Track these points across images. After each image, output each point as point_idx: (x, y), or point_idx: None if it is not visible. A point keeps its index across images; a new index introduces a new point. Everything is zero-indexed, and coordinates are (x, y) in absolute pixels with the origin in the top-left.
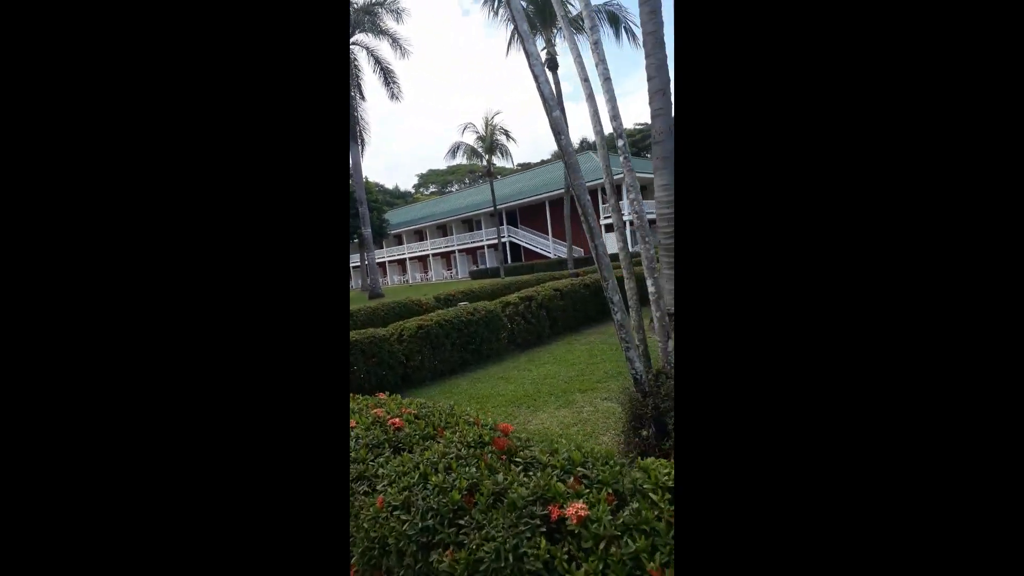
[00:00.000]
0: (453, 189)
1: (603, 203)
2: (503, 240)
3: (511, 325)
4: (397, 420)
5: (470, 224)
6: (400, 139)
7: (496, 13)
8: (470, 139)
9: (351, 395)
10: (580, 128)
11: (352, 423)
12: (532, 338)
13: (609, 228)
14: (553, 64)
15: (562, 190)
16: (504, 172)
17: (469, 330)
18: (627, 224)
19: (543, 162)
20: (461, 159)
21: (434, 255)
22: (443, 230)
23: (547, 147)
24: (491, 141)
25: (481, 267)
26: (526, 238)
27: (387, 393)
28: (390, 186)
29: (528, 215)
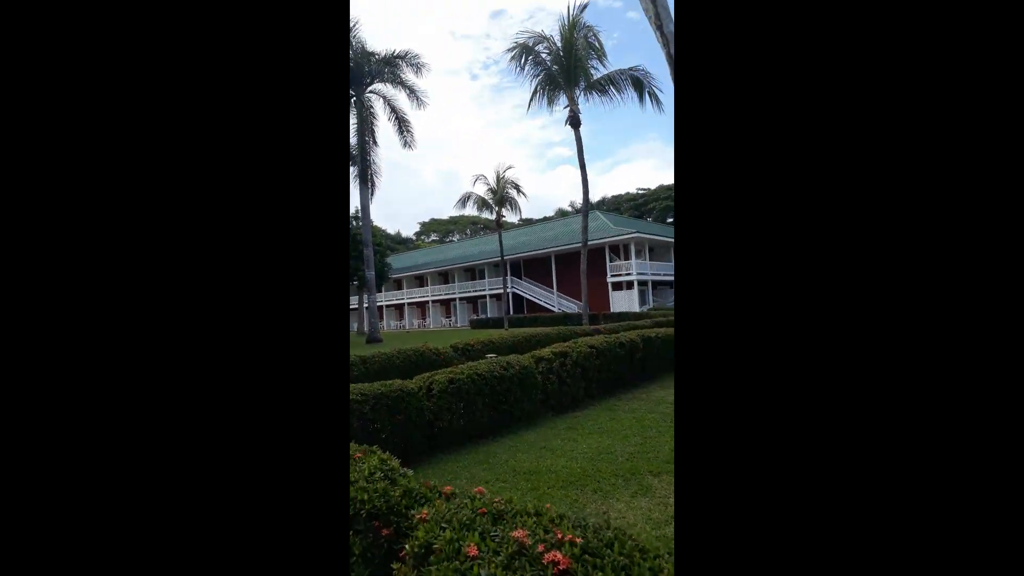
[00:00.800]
0: (454, 239)
1: (610, 262)
2: (509, 291)
3: (545, 384)
4: (558, 556)
5: (472, 273)
6: (400, 187)
7: (523, 68)
8: (481, 190)
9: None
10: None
11: (472, 550)
12: (567, 400)
13: (616, 287)
14: (576, 121)
15: (570, 245)
16: (507, 226)
17: (502, 387)
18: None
19: (546, 218)
20: (471, 209)
21: (433, 302)
22: (444, 277)
23: (548, 206)
24: (502, 194)
25: (482, 316)
26: (530, 290)
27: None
28: (391, 231)
29: (532, 268)
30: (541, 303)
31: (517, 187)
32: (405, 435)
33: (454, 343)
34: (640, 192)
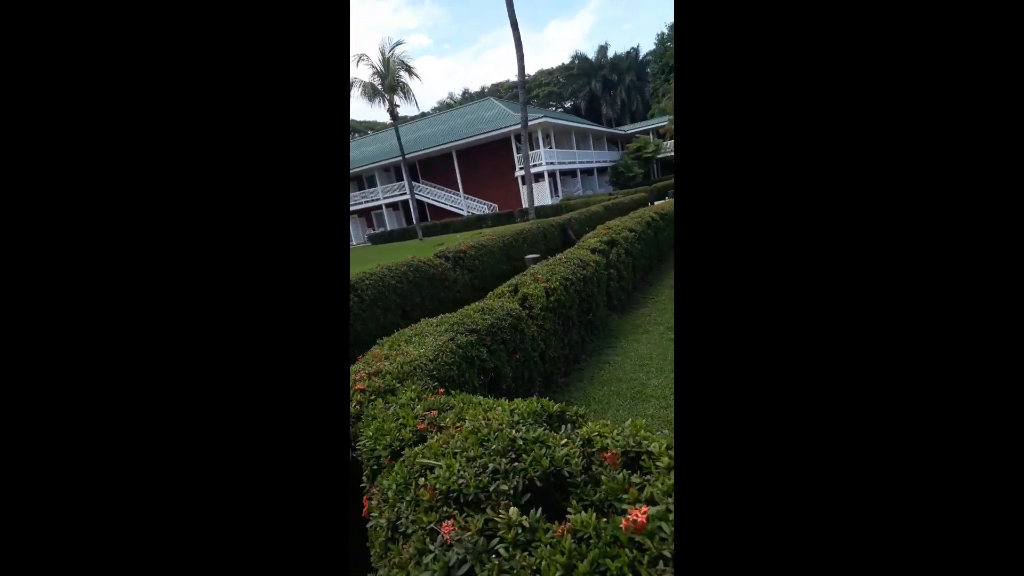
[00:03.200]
0: None
1: (517, 153)
2: (420, 197)
3: (608, 281)
4: None
5: (360, 182)
6: None
7: None
8: (365, 75)
9: None
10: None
11: None
12: (623, 296)
13: (524, 181)
14: None
15: (473, 137)
16: (375, 128)
17: (587, 292)
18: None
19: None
20: (357, 99)
21: None
22: None
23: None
24: (392, 78)
25: (380, 230)
26: (433, 194)
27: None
28: None
29: (430, 169)
30: (447, 207)
31: (409, 69)
32: (523, 377)
33: (439, 250)
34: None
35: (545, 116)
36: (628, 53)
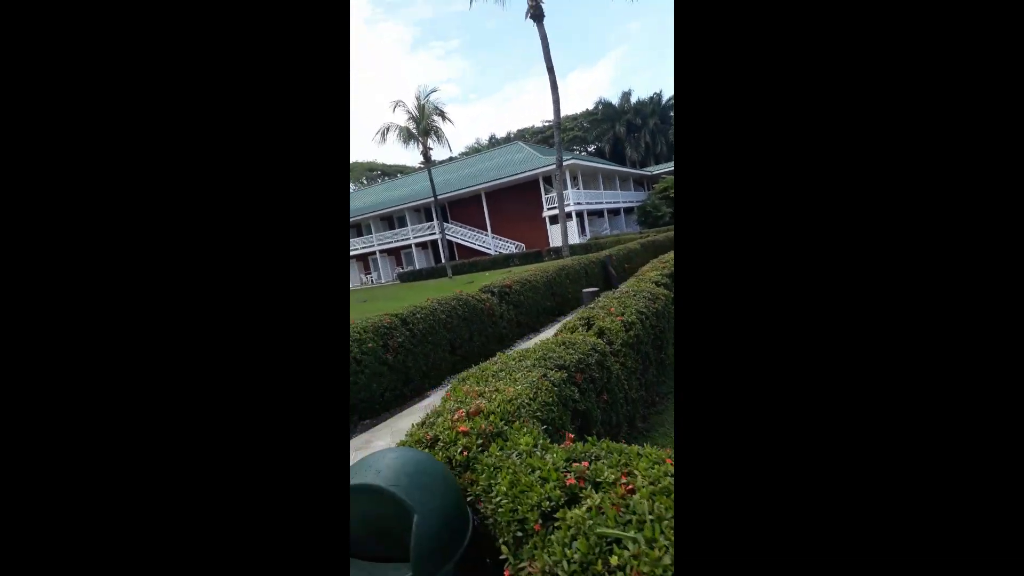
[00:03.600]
0: (351, 187)
1: (545, 194)
2: (443, 235)
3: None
4: None
5: (390, 221)
6: None
7: None
8: (401, 120)
9: None
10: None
11: None
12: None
13: (553, 220)
14: (539, 15)
15: (501, 180)
16: (405, 171)
17: (660, 326)
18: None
19: (474, 151)
20: (394, 143)
21: (350, 257)
22: (357, 229)
23: (463, 140)
24: (427, 122)
25: (409, 268)
26: (461, 233)
27: None
28: None
29: (460, 210)
30: (475, 246)
31: (442, 114)
32: (609, 422)
33: (484, 286)
34: (546, 124)
35: (573, 159)
36: (651, 98)
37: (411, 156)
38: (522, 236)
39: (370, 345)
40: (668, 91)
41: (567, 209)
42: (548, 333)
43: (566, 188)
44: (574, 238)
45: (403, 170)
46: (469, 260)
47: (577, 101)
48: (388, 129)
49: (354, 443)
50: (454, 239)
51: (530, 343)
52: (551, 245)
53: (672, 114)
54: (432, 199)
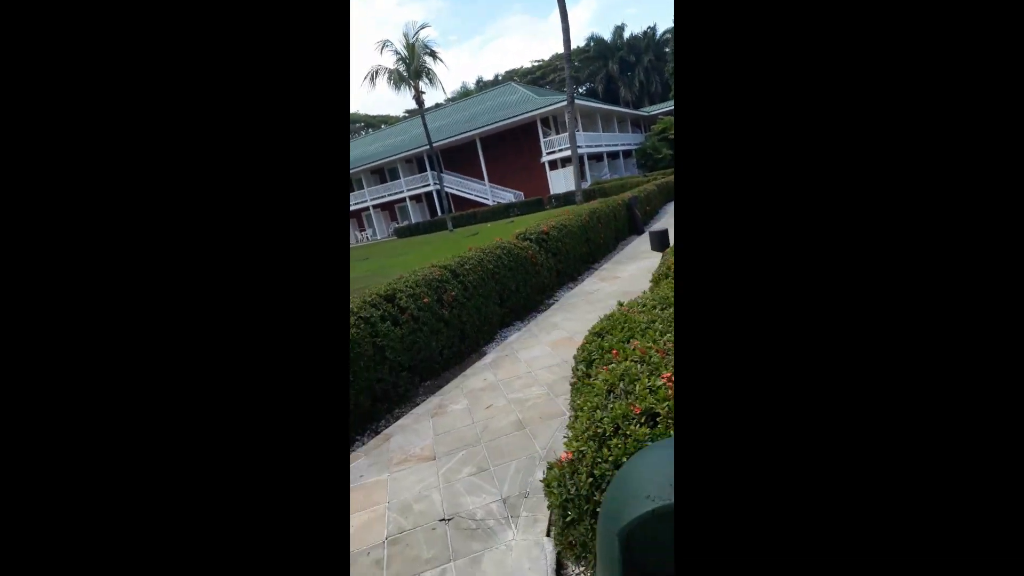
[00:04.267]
0: None
1: (543, 138)
2: (440, 186)
3: None
4: None
5: (381, 175)
6: None
7: None
8: (390, 62)
9: None
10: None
11: None
12: None
13: (553, 165)
14: None
15: (497, 123)
16: (390, 121)
17: None
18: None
19: (462, 97)
20: (384, 87)
21: None
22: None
23: (448, 86)
24: (417, 63)
25: (405, 223)
26: (457, 184)
27: None
28: None
29: (454, 158)
30: (472, 197)
31: (433, 53)
32: None
33: (519, 232)
34: (536, 64)
35: (574, 98)
36: (645, 33)
37: (396, 105)
38: (520, 184)
39: (426, 300)
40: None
41: (567, 153)
42: (590, 282)
43: (565, 131)
44: (574, 184)
45: (387, 120)
46: (467, 211)
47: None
48: (377, 73)
49: (424, 408)
50: (448, 189)
51: (574, 292)
52: (552, 192)
53: (668, 50)
54: (427, 147)
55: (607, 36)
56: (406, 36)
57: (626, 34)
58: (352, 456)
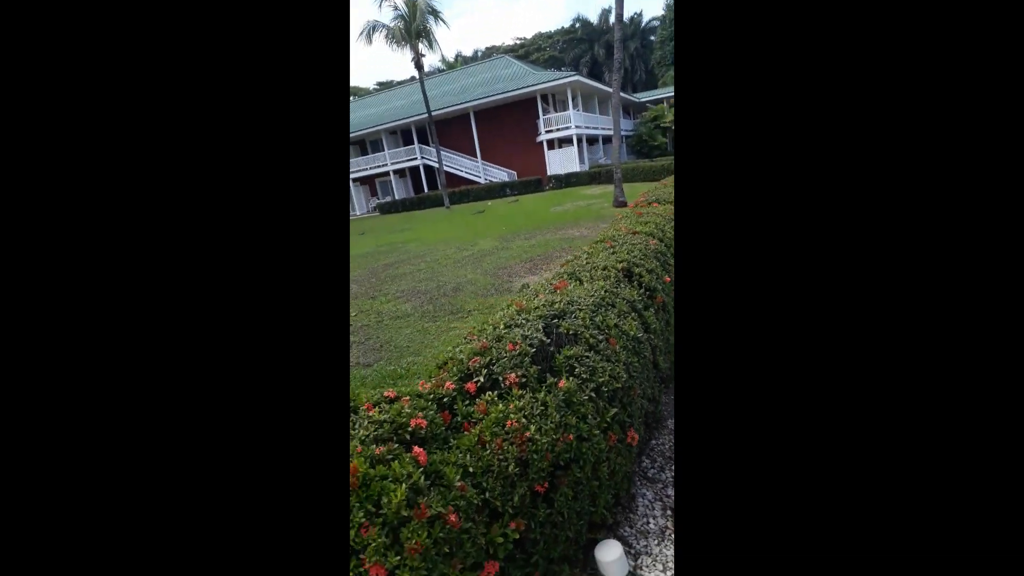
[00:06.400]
0: None
1: (543, 115)
2: (424, 161)
3: None
4: None
5: (362, 146)
6: None
7: None
8: (388, 18)
9: None
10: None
11: None
12: None
13: (551, 145)
14: None
15: (494, 96)
16: (359, 93)
17: None
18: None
19: (448, 69)
20: (380, 45)
21: None
22: None
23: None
24: (418, 23)
25: (387, 199)
26: (449, 160)
27: None
28: None
29: (445, 132)
30: (463, 174)
31: (436, 13)
32: None
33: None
34: (518, 42)
35: (576, 76)
36: (632, 19)
37: (364, 76)
38: (513, 163)
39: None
40: (649, 12)
41: (567, 133)
42: None
43: (566, 110)
44: (574, 166)
45: (355, 91)
46: (459, 188)
47: (537, 19)
48: (374, 29)
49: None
50: (434, 164)
51: None
52: (550, 172)
53: (653, 38)
54: (413, 118)
55: (593, 19)
56: None
57: (612, 18)
58: None
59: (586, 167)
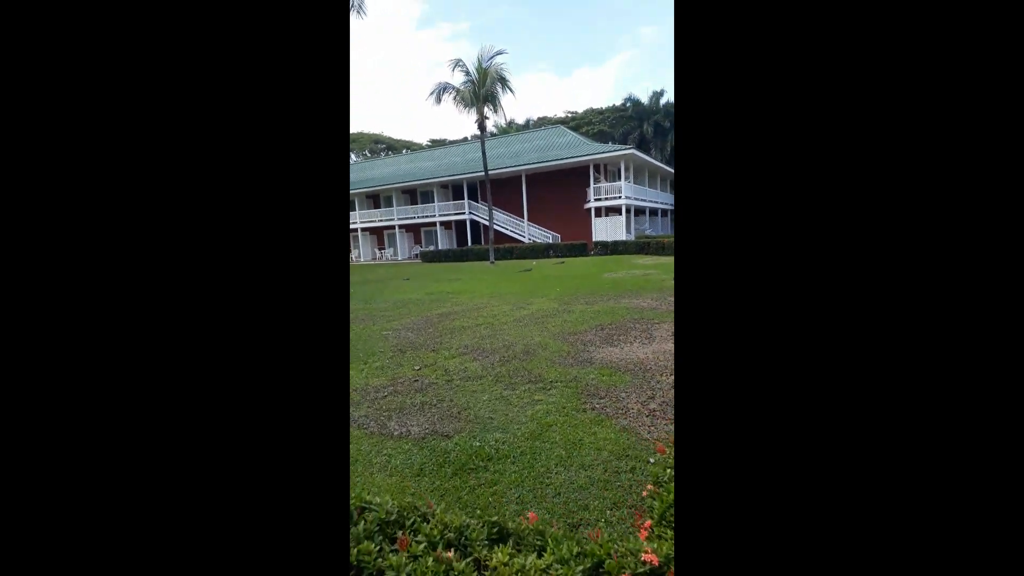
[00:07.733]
0: (353, 159)
1: (594, 183)
2: (472, 216)
3: None
4: None
5: (412, 196)
6: None
7: None
8: (459, 81)
9: None
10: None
11: None
12: None
13: (598, 212)
14: None
15: (546, 163)
16: (412, 147)
17: None
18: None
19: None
20: (449, 105)
21: (363, 230)
22: (375, 201)
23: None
24: (486, 88)
25: (430, 247)
26: (497, 218)
27: None
28: None
29: (494, 191)
30: (508, 232)
31: (504, 81)
32: None
33: None
34: (569, 115)
35: (632, 149)
36: None
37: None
38: (558, 227)
39: None
40: None
41: (617, 202)
42: None
43: (618, 180)
44: (621, 234)
45: (409, 145)
46: (503, 245)
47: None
48: (444, 90)
49: None
50: (484, 220)
51: None
52: (595, 239)
53: None
54: (465, 176)
55: (643, 99)
56: (479, 59)
57: (662, 100)
58: None
59: (632, 236)
